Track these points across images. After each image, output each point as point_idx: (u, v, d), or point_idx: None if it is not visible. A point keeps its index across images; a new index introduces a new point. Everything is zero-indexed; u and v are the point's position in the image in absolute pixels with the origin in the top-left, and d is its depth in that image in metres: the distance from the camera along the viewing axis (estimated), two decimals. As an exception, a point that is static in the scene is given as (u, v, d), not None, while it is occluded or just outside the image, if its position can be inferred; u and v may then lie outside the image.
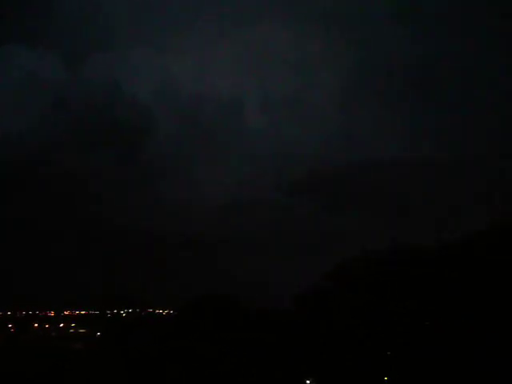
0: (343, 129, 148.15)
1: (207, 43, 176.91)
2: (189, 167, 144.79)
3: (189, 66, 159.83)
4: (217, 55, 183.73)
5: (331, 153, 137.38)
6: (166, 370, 39.38)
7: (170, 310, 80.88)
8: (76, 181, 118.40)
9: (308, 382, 36.75)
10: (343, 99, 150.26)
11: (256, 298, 58.80)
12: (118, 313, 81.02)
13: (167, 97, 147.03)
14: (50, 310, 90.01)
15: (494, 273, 35.39)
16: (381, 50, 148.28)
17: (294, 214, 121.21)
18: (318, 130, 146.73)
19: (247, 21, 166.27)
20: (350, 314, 40.61)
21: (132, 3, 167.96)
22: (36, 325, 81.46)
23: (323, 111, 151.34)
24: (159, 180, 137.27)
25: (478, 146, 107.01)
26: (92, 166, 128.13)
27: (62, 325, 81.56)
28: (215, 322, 51.71)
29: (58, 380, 38.55)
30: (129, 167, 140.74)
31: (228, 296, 59.73)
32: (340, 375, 35.86)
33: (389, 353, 37.37)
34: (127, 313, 78.65)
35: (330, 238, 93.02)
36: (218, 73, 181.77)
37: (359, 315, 40.01)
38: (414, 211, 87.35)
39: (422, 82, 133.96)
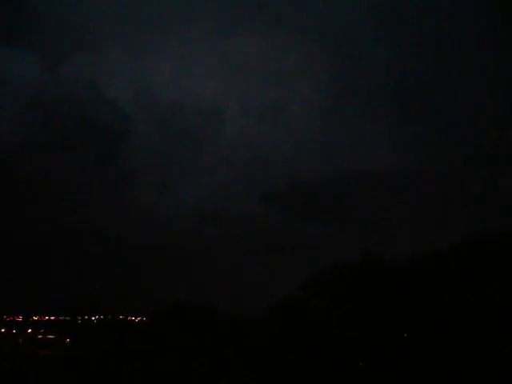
0: (320, 140, 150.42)
1: (188, 49, 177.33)
2: (165, 172, 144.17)
3: (169, 70, 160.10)
4: (197, 62, 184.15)
5: (307, 163, 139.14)
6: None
7: (142, 318, 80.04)
8: (50, 181, 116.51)
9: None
10: (321, 111, 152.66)
11: (230, 307, 59.02)
12: (89, 319, 79.64)
13: (146, 100, 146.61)
14: (18, 315, 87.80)
15: (465, 285, 36.65)
16: (359, 64, 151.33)
17: (268, 222, 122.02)
18: (295, 141, 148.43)
19: (229, 30, 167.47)
20: (321, 325, 41.25)
21: (114, 6, 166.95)
22: (3, 330, 79.33)
23: (301, 122, 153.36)
24: (134, 185, 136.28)
25: (453, 159, 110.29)
26: (67, 167, 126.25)
27: (30, 330, 79.65)
28: (186, 330, 51.63)
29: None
30: (104, 171, 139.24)
31: (201, 305, 59.70)
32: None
33: (361, 364, 38.11)
34: (98, 319, 77.34)
35: (305, 247, 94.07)
36: (198, 79, 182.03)
37: (331, 326, 40.68)
38: (388, 223, 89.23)
39: (399, 95, 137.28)
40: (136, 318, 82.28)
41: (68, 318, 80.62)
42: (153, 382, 38.46)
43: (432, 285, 38.38)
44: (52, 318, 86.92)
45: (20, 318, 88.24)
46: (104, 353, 49.68)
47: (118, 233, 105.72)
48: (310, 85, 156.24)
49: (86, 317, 78.60)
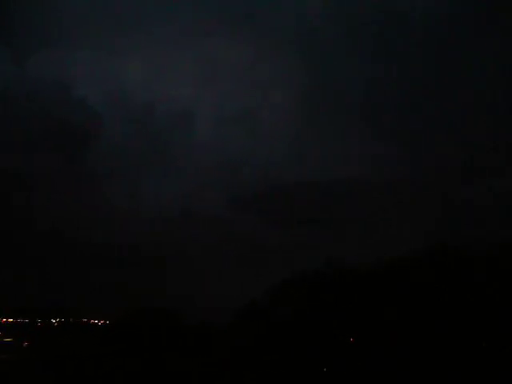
0: (292, 147, 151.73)
1: (161, 50, 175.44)
2: (135, 174, 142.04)
3: (141, 71, 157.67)
4: (170, 63, 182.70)
5: (278, 169, 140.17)
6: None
7: (105, 321, 78.31)
8: (18, 181, 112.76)
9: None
10: (294, 119, 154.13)
11: (196, 312, 58.55)
12: (49, 321, 77.29)
13: (117, 101, 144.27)
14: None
15: (425, 292, 37.72)
16: (332, 74, 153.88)
17: (238, 228, 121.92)
18: (266, 146, 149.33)
19: (204, 33, 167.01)
20: (286, 331, 41.55)
21: (86, 4, 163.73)
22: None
23: (273, 128, 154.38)
24: (104, 186, 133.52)
25: (418, 170, 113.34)
26: (35, 166, 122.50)
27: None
28: (148, 335, 51.02)
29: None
30: (73, 171, 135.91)
31: (165, 309, 59.06)
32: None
33: (325, 369, 38.56)
34: (59, 322, 75.25)
35: (274, 251, 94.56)
36: (171, 81, 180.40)
37: (296, 332, 41.03)
38: (356, 231, 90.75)
39: (371, 106, 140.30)
40: (99, 321, 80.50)
41: (27, 321, 78.09)
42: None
43: (393, 290, 39.39)
44: (10, 320, 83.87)
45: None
46: (64, 356, 48.40)
47: (86, 234, 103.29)
48: (283, 92, 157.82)
49: (47, 319, 76.37)
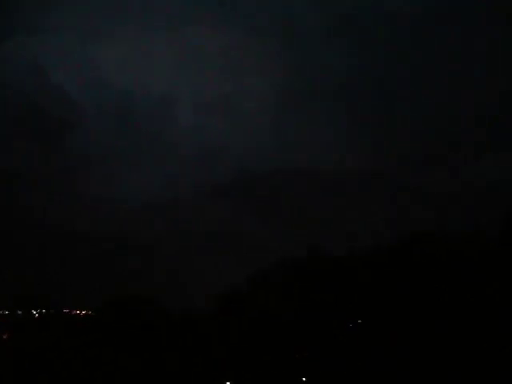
0: (271, 135, 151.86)
1: (140, 36, 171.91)
2: (113, 162, 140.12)
3: (118, 57, 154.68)
4: (149, 50, 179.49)
5: (258, 158, 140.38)
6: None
7: (88, 311, 77.97)
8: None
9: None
10: (274, 106, 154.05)
11: (177, 299, 58.96)
12: (30, 312, 76.48)
13: (94, 87, 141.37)
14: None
15: (402, 283, 38.81)
16: (313, 63, 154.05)
17: (218, 216, 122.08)
18: (246, 135, 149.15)
19: (184, 19, 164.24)
20: (269, 318, 42.31)
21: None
22: None
23: (253, 117, 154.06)
24: (81, 176, 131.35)
25: (400, 159, 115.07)
26: (9, 155, 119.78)
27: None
28: (134, 324, 51.16)
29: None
30: (49, 160, 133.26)
31: (150, 297, 59.14)
32: (258, 378, 37.26)
33: (306, 354, 39.55)
34: (40, 313, 74.53)
35: (254, 240, 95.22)
36: (150, 68, 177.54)
37: (278, 320, 41.83)
38: (333, 221, 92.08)
39: (350, 96, 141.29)
40: (81, 312, 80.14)
41: (7, 313, 77.13)
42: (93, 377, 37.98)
43: (375, 279, 40.41)
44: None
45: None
46: (45, 348, 48.28)
47: (65, 224, 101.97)
48: (263, 81, 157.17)
49: (27, 311, 75.52)
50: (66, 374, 38.02)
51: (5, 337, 64.21)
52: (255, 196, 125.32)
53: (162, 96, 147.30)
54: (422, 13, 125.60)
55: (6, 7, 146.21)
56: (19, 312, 75.46)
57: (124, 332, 49.11)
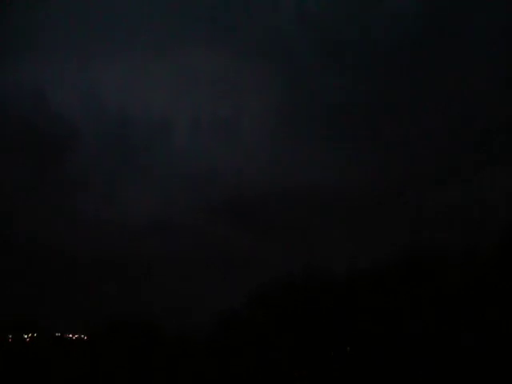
0: (268, 156, 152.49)
1: (138, 63, 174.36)
2: (111, 184, 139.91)
3: (118, 80, 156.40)
4: (147, 75, 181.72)
5: (255, 178, 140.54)
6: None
7: (80, 335, 76.20)
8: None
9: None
10: (272, 127, 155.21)
11: (177, 323, 57.71)
12: (21, 337, 74.57)
13: (92, 109, 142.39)
14: None
15: (401, 301, 38.15)
16: (309, 84, 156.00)
17: (215, 236, 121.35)
18: (243, 155, 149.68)
19: (181, 41, 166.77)
20: (267, 338, 41.42)
21: (61, 10, 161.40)
22: None
23: (250, 137, 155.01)
24: (79, 197, 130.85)
25: (400, 178, 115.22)
26: (4, 178, 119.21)
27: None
28: (129, 347, 49.95)
29: None
30: (46, 181, 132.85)
31: (144, 321, 57.91)
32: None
33: (305, 373, 38.60)
34: (31, 337, 72.70)
35: (251, 260, 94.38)
36: (148, 90, 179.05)
37: (277, 339, 40.93)
38: (333, 240, 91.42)
39: (348, 117, 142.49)
40: (74, 335, 78.30)
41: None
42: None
43: (374, 298, 39.72)
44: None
45: None
46: (37, 372, 46.85)
47: (60, 245, 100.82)
48: (260, 102, 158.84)
49: (17, 334, 73.68)
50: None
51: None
52: (253, 216, 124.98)
53: (160, 118, 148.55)
54: (415, 36, 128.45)
55: (5, 31, 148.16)
56: (10, 336, 73.74)
57: (118, 355, 47.81)
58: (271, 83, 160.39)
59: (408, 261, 40.01)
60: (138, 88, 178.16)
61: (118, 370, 42.40)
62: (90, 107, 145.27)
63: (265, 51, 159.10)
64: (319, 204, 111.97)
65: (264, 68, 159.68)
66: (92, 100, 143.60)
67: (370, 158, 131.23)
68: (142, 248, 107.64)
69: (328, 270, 45.84)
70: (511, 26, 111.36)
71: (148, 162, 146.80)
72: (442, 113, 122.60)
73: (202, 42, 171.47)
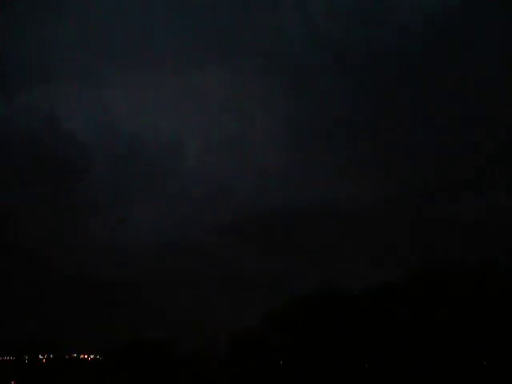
0: (279, 173, 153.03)
1: (148, 84, 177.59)
2: (123, 207, 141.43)
3: (129, 104, 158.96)
4: (158, 96, 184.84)
5: (268, 196, 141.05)
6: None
7: (96, 355, 76.35)
8: (3, 217, 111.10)
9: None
10: (280, 145, 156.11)
11: (190, 341, 57.76)
12: (37, 358, 74.84)
13: (104, 133, 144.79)
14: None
15: (413, 319, 38.06)
16: (319, 100, 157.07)
17: (228, 254, 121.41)
18: (255, 174, 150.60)
19: (189, 64, 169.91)
20: (282, 357, 41.38)
21: (75, 36, 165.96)
22: None
23: (261, 156, 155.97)
24: (92, 218, 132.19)
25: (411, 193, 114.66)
26: (19, 202, 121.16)
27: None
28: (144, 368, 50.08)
29: None
30: (59, 204, 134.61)
31: (158, 341, 58.07)
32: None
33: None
34: (47, 358, 72.99)
35: (264, 279, 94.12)
36: (158, 112, 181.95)
37: (292, 358, 40.85)
38: (346, 256, 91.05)
39: (358, 132, 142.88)
40: (89, 356, 78.44)
41: (13, 358, 75.61)
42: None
43: (389, 316, 39.63)
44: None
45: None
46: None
47: (72, 266, 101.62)
48: (270, 119, 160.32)
49: (34, 356, 73.99)
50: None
51: (12, 383, 62.71)
52: (265, 234, 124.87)
53: (171, 137, 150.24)
54: (420, 50, 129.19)
55: (22, 57, 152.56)
56: (26, 357, 74.09)
57: (133, 376, 47.93)
58: (281, 100, 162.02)
59: (423, 276, 39.96)
60: (148, 109, 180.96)
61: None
62: (103, 129, 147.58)
63: (273, 67, 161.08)
64: (331, 221, 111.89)
65: (273, 84, 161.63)
66: (104, 122, 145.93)
67: (384, 171, 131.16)
68: (154, 268, 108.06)
69: (343, 288, 45.84)
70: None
71: (160, 180, 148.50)
72: (459, 127, 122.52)
73: (210, 60, 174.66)
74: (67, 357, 75.79)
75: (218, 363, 46.25)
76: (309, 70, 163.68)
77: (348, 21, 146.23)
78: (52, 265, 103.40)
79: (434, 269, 39.55)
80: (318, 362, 39.16)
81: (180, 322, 69.40)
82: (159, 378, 48.64)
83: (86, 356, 78.71)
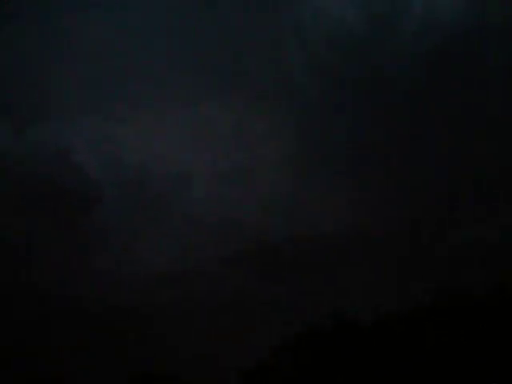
0: (287, 202, 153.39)
1: (154, 116, 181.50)
2: (131, 238, 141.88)
3: (137, 136, 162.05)
4: (164, 128, 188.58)
5: (275, 226, 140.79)
6: None
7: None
8: (11, 246, 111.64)
9: None
10: (287, 174, 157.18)
11: (199, 376, 56.43)
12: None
13: (114, 167, 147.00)
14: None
15: (426, 348, 37.00)
16: (323, 128, 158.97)
17: (237, 287, 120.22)
18: (262, 203, 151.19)
19: (195, 95, 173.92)
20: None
21: (82, 69, 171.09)
22: None
23: (267, 185, 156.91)
24: (98, 251, 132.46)
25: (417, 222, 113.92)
26: (29, 232, 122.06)
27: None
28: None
29: None
30: (68, 235, 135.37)
31: (165, 376, 56.97)
32: None
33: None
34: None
35: (272, 309, 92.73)
36: (166, 144, 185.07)
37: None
38: (355, 287, 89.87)
39: (363, 160, 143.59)
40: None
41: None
42: None
43: (404, 345, 38.63)
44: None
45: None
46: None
47: (80, 299, 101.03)
48: (275, 149, 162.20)
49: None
50: None
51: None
52: (273, 264, 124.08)
53: (177, 169, 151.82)
54: (424, 77, 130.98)
55: (31, 93, 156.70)
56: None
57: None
58: (287, 128, 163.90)
59: (440, 302, 39.15)
60: (155, 142, 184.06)
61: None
62: (110, 162, 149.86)
63: (278, 95, 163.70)
64: (341, 250, 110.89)
65: (280, 113, 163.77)
66: (111, 155, 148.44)
67: (396, 197, 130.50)
68: (160, 298, 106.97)
69: (356, 317, 45.01)
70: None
71: (166, 212, 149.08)
72: (481, 150, 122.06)
73: (216, 94, 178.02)
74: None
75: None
76: (315, 102, 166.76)
77: (348, 48, 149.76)
78: (56, 295, 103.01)
79: (456, 295, 38.82)
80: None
81: (186, 354, 68.01)
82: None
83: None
